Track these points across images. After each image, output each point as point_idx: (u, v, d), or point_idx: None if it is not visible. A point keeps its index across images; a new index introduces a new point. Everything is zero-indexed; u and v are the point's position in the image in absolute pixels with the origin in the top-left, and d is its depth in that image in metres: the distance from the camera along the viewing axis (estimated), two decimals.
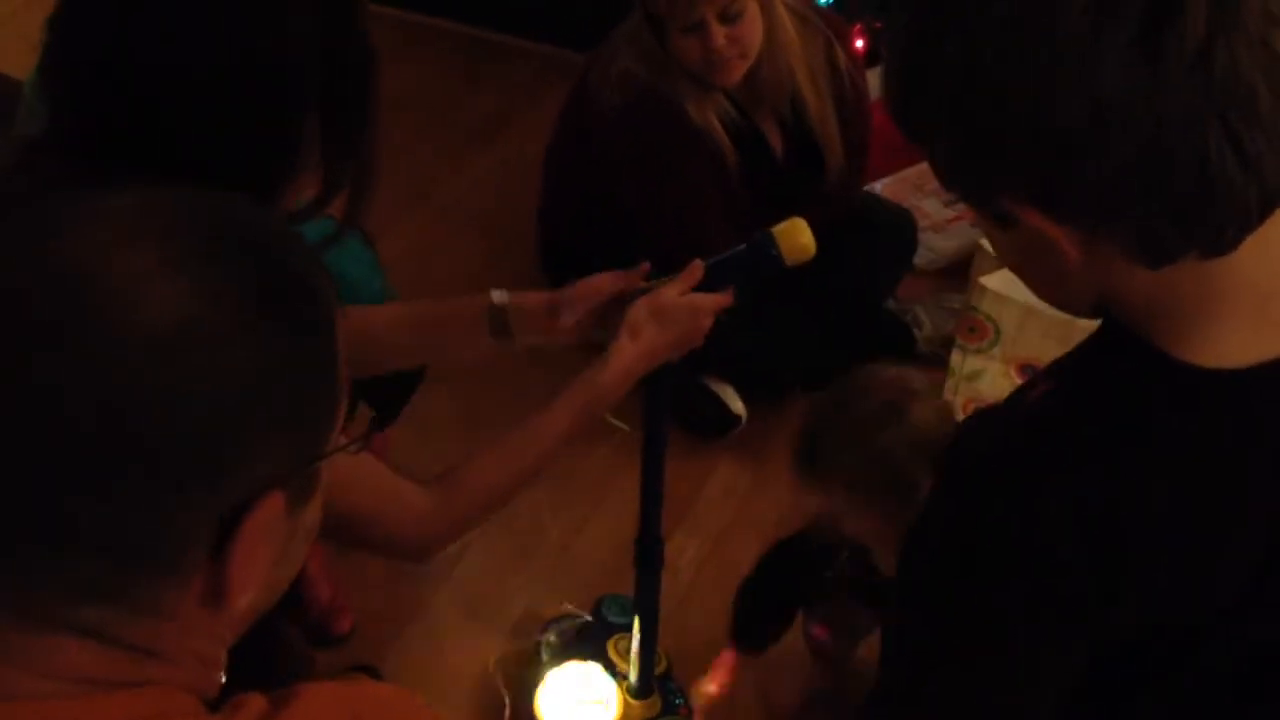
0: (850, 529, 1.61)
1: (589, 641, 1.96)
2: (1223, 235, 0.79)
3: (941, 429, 1.54)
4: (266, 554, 0.68)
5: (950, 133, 0.81)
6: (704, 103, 2.22)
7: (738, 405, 2.44)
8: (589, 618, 2.02)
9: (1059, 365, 0.94)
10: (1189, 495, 0.87)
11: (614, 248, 2.16)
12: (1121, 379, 0.88)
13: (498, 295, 1.41)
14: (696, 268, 1.38)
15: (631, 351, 1.35)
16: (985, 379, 2.35)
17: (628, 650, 1.85)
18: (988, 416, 0.99)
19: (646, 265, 1.41)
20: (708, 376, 2.44)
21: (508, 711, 1.90)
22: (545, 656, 1.94)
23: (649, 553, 1.69)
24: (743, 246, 1.41)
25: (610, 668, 1.91)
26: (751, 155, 2.29)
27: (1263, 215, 0.78)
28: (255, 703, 0.68)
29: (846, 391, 1.62)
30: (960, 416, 1.35)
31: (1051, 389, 0.91)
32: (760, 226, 1.41)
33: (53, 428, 0.60)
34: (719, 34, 2.10)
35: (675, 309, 1.36)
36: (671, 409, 1.60)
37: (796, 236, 1.38)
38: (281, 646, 1.39)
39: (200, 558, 0.65)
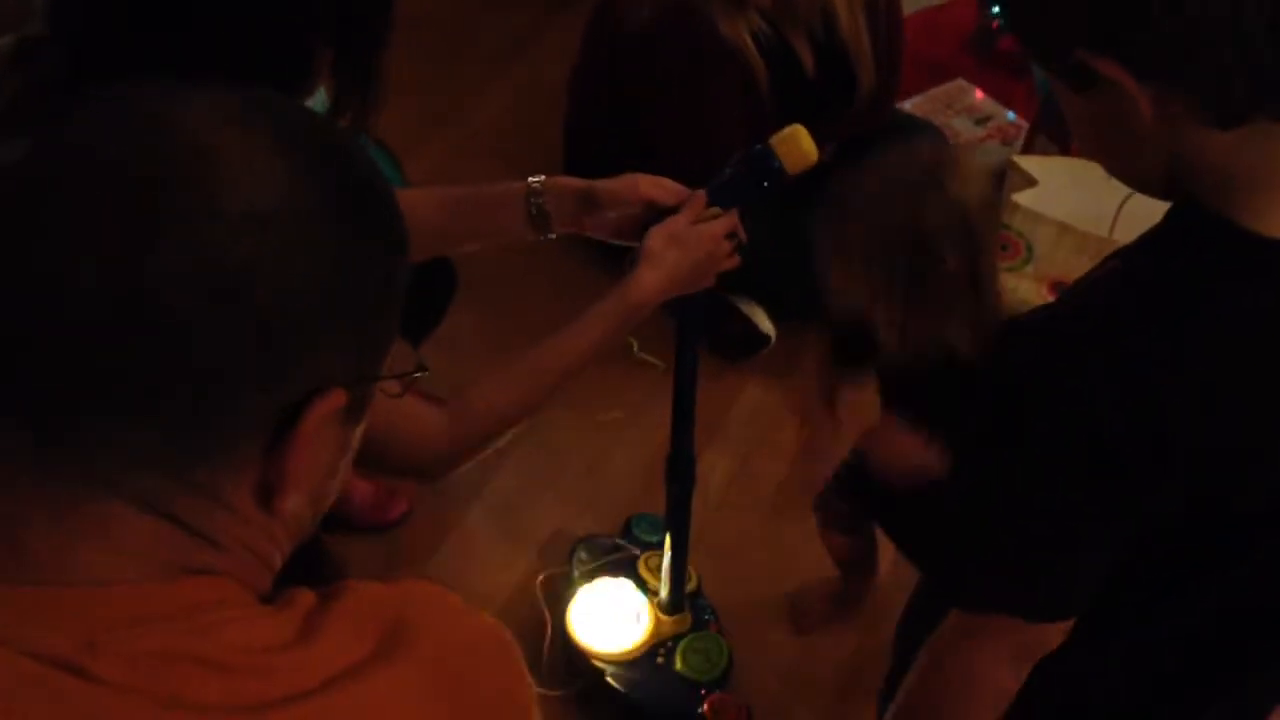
0: (862, 305, 1.45)
1: (620, 559, 1.97)
2: None
3: (980, 210, 1.40)
4: (320, 455, 0.69)
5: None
6: (735, 18, 2.19)
7: (766, 325, 2.43)
8: (619, 540, 2.03)
9: (1125, 249, 0.94)
10: (1256, 370, 0.87)
11: (642, 170, 2.15)
12: (1191, 253, 0.88)
13: (535, 179, 1.39)
14: (699, 198, 1.36)
15: (653, 279, 1.33)
16: (1017, 297, 2.33)
17: (658, 567, 1.86)
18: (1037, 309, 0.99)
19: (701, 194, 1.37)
20: (736, 297, 2.43)
21: (549, 630, 1.91)
22: (576, 574, 1.95)
23: (681, 468, 1.69)
24: (740, 160, 1.37)
25: (641, 585, 1.92)
26: (782, 72, 2.26)
27: None
28: (305, 597, 0.69)
29: (885, 154, 1.52)
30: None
31: (1116, 267, 0.91)
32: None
33: (136, 290, 0.60)
34: None
35: (691, 234, 1.34)
36: (702, 328, 1.59)
37: (796, 143, 1.33)
38: (318, 554, 1.41)
39: (259, 446, 0.65)
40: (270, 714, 0.62)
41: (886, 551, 2.06)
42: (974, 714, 1.02)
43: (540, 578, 1.99)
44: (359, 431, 0.74)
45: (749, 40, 2.20)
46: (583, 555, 1.99)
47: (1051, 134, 2.58)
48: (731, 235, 1.37)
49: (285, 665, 0.64)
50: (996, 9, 2.69)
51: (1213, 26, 0.76)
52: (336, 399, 0.67)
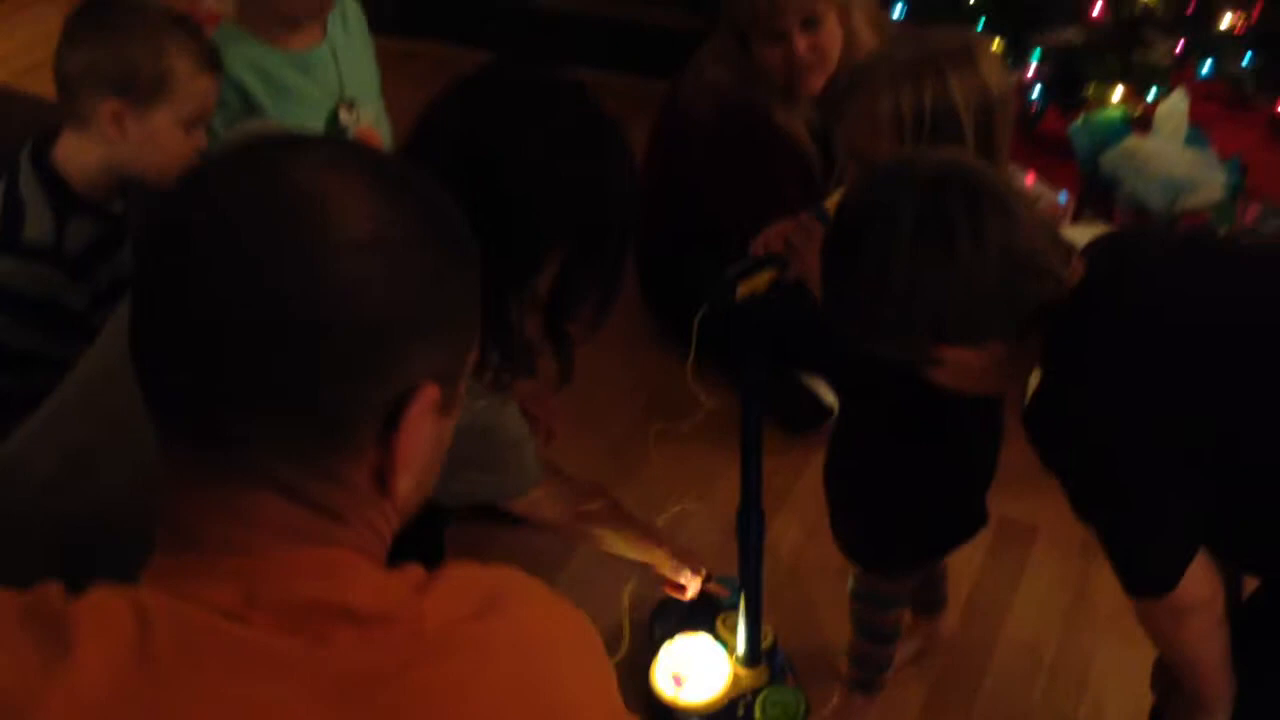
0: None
1: (699, 618, 2.06)
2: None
3: (999, 89, 1.51)
4: (423, 442, 0.82)
5: (901, 329, 1.30)
6: (790, 110, 2.34)
7: (829, 398, 2.54)
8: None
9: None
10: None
11: (708, 264, 2.27)
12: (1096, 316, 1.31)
13: None
14: None
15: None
16: None
17: (735, 627, 1.94)
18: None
19: None
20: (799, 372, 2.54)
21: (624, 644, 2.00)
22: (657, 633, 2.04)
23: (752, 520, 1.79)
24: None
25: (721, 644, 2.00)
26: (835, 159, 2.40)
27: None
28: (415, 569, 0.82)
29: (904, 38, 1.66)
30: None
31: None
32: None
33: (275, 311, 0.74)
34: (801, 43, 2.23)
35: None
36: (766, 402, 1.73)
37: None
38: (439, 546, 1.82)
39: (373, 434, 0.79)
40: (394, 646, 0.76)
41: (956, 605, 2.13)
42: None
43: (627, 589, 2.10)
44: (451, 425, 0.88)
45: (802, 128, 2.35)
46: (663, 616, 2.08)
47: (1096, 210, 2.69)
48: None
49: (406, 613, 0.77)
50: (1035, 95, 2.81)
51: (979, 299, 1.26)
52: (433, 392, 0.80)
